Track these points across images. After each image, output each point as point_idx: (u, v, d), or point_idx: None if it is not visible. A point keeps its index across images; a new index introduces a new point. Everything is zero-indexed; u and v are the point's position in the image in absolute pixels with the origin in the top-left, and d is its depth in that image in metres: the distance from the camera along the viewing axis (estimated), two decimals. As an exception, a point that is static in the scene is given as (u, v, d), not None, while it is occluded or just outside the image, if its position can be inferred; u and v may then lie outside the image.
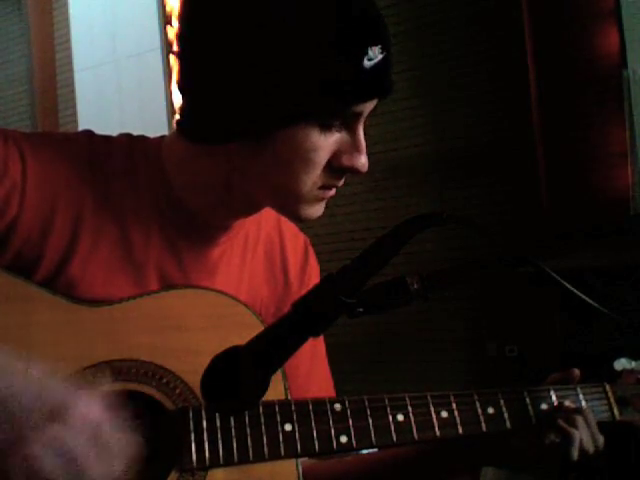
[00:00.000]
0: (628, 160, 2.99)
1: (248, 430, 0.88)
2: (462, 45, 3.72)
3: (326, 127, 0.87)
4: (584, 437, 1.02)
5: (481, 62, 3.67)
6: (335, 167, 0.90)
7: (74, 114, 4.95)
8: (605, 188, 3.01)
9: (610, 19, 3.03)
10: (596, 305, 0.88)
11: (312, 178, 0.89)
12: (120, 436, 0.71)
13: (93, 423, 0.69)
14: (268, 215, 1.06)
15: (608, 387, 1.10)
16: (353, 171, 0.91)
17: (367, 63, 0.84)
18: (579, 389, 1.10)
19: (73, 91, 4.96)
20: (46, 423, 0.68)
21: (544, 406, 1.06)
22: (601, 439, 1.05)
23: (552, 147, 3.18)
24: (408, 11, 3.85)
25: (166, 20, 4.57)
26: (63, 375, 0.72)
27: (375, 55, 0.85)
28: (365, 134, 0.91)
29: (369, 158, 0.93)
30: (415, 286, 0.76)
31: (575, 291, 0.84)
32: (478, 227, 0.80)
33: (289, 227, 1.12)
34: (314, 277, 1.13)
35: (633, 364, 1.14)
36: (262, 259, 1.08)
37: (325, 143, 0.87)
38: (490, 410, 1.02)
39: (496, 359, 3.60)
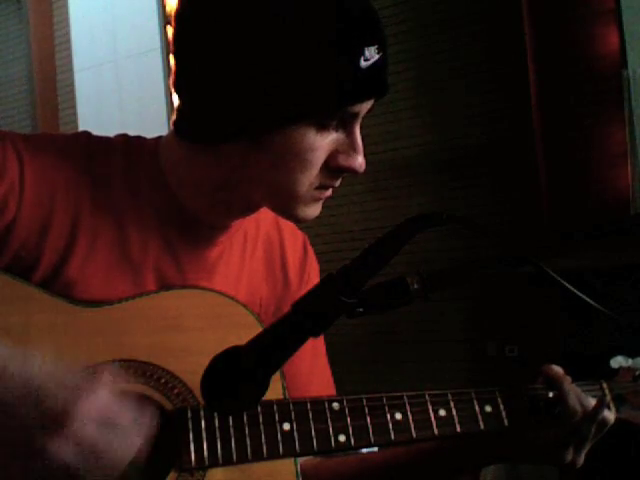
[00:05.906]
0: (628, 160, 2.98)
1: (247, 429, 0.88)
2: (462, 45, 3.72)
3: (323, 127, 0.87)
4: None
5: (481, 62, 3.67)
6: (332, 167, 0.90)
7: (74, 114, 4.95)
8: (605, 188, 3.00)
9: (610, 19, 3.03)
10: (596, 305, 0.88)
11: (309, 178, 0.89)
12: (129, 414, 0.73)
13: (101, 409, 0.71)
14: (267, 213, 1.06)
15: (605, 384, 1.10)
16: (350, 171, 0.90)
17: (364, 63, 0.84)
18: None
19: (73, 91, 4.96)
20: (54, 422, 0.68)
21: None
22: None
23: (552, 147, 3.17)
24: (408, 11, 3.84)
25: (166, 20, 4.57)
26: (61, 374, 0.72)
27: (372, 55, 0.85)
28: (365, 134, 0.91)
29: (369, 158, 0.92)
30: (415, 286, 0.77)
31: (575, 291, 0.84)
32: (478, 227, 0.80)
33: (287, 225, 1.11)
34: (313, 275, 1.13)
35: (630, 361, 1.13)
36: (261, 258, 1.08)
37: (322, 143, 0.87)
38: (488, 408, 1.02)
39: (496, 359, 3.59)
